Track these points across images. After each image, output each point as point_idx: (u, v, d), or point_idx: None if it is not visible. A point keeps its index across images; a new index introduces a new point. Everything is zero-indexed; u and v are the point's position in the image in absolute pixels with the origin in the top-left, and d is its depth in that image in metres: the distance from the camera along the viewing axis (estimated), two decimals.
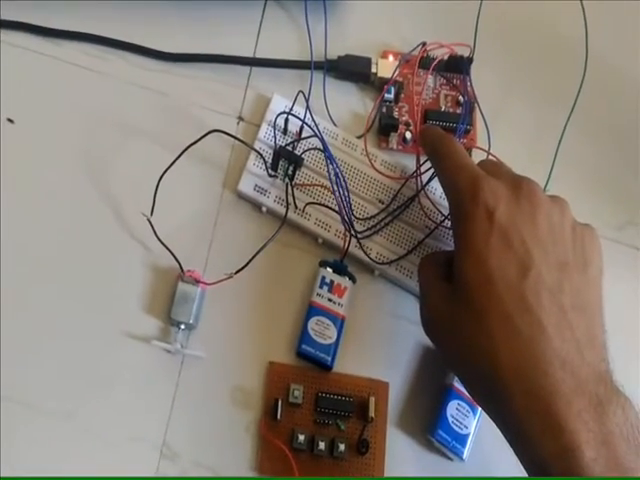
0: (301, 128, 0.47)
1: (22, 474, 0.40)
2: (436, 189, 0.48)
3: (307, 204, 0.46)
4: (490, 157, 0.48)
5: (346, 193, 0.45)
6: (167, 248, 0.43)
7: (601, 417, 0.32)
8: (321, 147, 0.46)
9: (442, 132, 0.44)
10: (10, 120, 0.46)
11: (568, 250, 0.37)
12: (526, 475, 0.35)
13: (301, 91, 0.47)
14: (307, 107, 0.47)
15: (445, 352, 0.39)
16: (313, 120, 0.47)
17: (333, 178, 0.45)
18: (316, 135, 0.46)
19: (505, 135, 0.49)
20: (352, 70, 0.51)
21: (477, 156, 0.49)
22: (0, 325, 0.42)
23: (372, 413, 0.42)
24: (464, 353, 0.36)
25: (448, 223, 0.47)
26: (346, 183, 0.46)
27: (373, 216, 0.47)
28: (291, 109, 0.47)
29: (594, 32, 0.50)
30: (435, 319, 0.39)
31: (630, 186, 0.52)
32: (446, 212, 0.47)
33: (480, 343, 0.35)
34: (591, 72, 0.50)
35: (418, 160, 0.47)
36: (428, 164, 0.46)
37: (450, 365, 0.41)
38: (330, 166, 0.45)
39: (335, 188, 0.45)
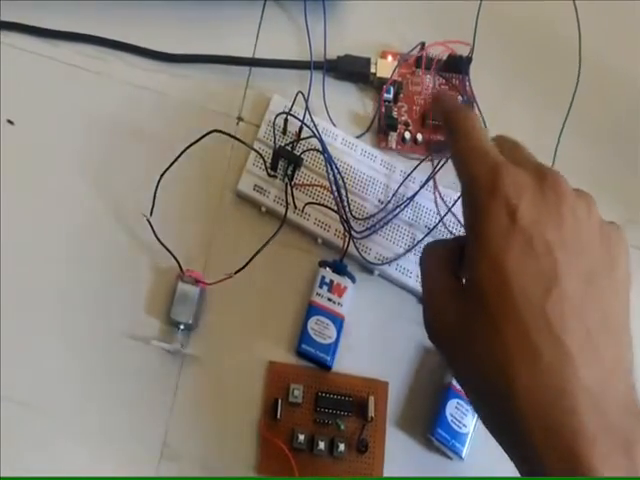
0: (300, 128, 0.47)
1: (22, 474, 0.40)
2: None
3: (306, 204, 0.46)
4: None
5: (345, 193, 0.46)
6: (166, 248, 0.43)
7: (630, 458, 0.28)
8: (320, 148, 0.46)
9: (458, 103, 0.39)
10: (10, 121, 0.46)
11: (596, 256, 0.31)
12: None
13: (300, 92, 0.47)
14: (306, 108, 0.47)
15: (453, 363, 0.34)
16: (312, 121, 0.47)
17: (332, 178, 0.45)
18: (315, 136, 0.46)
19: (504, 133, 0.48)
20: (351, 70, 0.51)
21: None
22: (0, 325, 0.42)
23: (372, 413, 0.42)
24: (476, 365, 0.31)
25: (448, 221, 0.47)
26: (345, 183, 0.46)
27: (372, 215, 0.47)
28: (290, 109, 0.47)
29: (588, 32, 0.50)
30: (442, 322, 0.34)
31: (629, 185, 0.52)
32: (443, 211, 0.47)
33: (495, 357, 0.30)
34: (587, 72, 0.50)
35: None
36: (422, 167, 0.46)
37: (458, 378, 0.35)
38: (329, 167, 0.45)
39: (334, 188, 0.45)
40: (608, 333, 0.30)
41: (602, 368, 0.29)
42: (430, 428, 0.43)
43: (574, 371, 0.29)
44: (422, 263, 0.36)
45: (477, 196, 0.32)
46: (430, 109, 0.50)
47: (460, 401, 0.43)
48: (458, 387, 0.43)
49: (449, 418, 0.43)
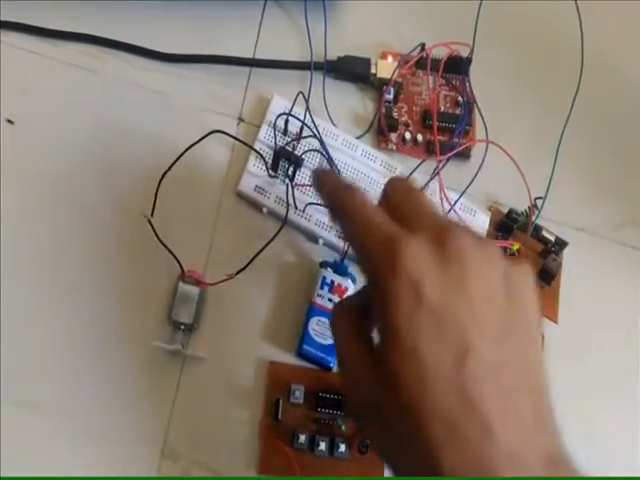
0: (301, 129, 0.47)
1: (23, 473, 0.40)
2: (436, 189, 0.48)
3: (307, 204, 0.46)
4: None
5: None
6: (168, 249, 0.43)
7: None
8: (320, 149, 0.46)
9: (339, 181, 0.37)
10: (10, 121, 0.46)
11: (506, 309, 0.31)
12: None
13: (301, 92, 0.47)
14: (307, 108, 0.47)
15: (375, 440, 0.33)
16: (313, 122, 0.47)
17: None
18: (315, 137, 0.46)
19: (504, 135, 0.48)
20: (351, 71, 0.51)
21: (479, 151, 0.49)
22: (1, 325, 0.42)
23: None
24: (399, 448, 0.30)
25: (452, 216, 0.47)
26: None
27: None
28: (291, 110, 0.47)
29: (590, 31, 0.51)
30: (361, 400, 0.32)
31: (629, 186, 0.53)
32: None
33: (419, 444, 0.29)
34: (589, 72, 0.50)
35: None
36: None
37: (380, 454, 0.33)
38: (330, 167, 0.45)
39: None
40: (525, 387, 0.30)
41: (523, 428, 0.29)
42: None
43: (496, 441, 0.28)
44: (333, 327, 0.35)
45: (379, 279, 0.30)
46: (429, 110, 0.51)
47: None
48: None
49: None
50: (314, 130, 0.46)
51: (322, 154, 0.46)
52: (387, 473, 0.43)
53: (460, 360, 0.29)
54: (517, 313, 0.31)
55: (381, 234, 0.31)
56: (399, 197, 0.34)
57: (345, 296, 0.40)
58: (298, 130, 0.47)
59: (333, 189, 0.36)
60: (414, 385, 0.29)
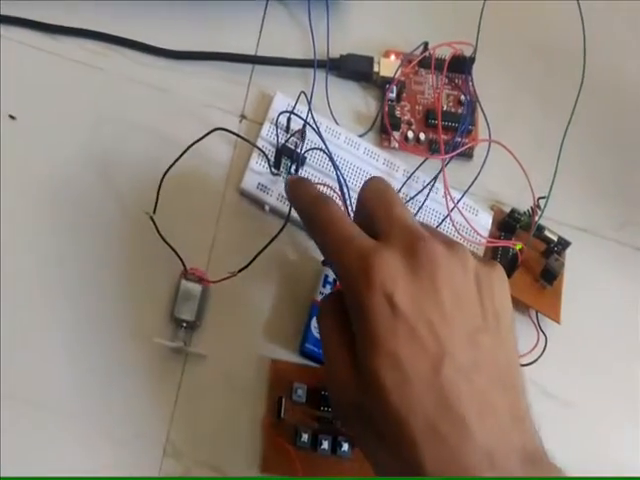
0: (303, 128, 0.47)
1: (23, 473, 0.40)
2: (438, 189, 0.48)
3: None
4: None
5: (347, 192, 0.45)
6: (170, 246, 0.43)
7: None
8: (322, 147, 0.46)
9: (315, 192, 0.38)
10: (12, 116, 0.46)
11: (477, 310, 0.32)
12: None
13: (303, 92, 0.46)
14: (309, 107, 0.47)
15: (359, 439, 0.34)
16: (314, 120, 0.47)
17: (336, 178, 0.45)
18: (317, 134, 0.46)
19: (507, 135, 0.48)
20: (354, 69, 0.51)
21: (481, 150, 0.49)
22: (1, 323, 0.42)
23: None
24: (382, 447, 0.32)
25: (454, 216, 0.47)
26: (346, 182, 0.46)
27: None
28: (294, 108, 0.47)
29: (592, 32, 0.51)
30: (345, 400, 0.33)
31: (631, 186, 0.53)
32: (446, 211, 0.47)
33: (401, 452, 0.30)
34: (591, 72, 0.50)
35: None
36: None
37: (364, 452, 0.34)
38: (332, 165, 0.45)
39: (338, 186, 0.45)
40: (501, 386, 0.31)
41: (499, 426, 0.30)
42: None
43: (474, 439, 0.30)
44: (319, 322, 0.36)
45: (355, 292, 0.32)
46: (431, 109, 0.51)
47: None
48: None
49: None
50: (315, 129, 0.46)
51: (324, 152, 0.46)
52: None
53: (437, 364, 0.30)
54: (489, 315, 0.33)
55: (355, 249, 0.32)
56: (373, 203, 0.35)
57: (332, 291, 0.39)
58: (301, 128, 0.47)
59: (307, 201, 0.37)
60: (394, 387, 0.30)
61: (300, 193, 0.38)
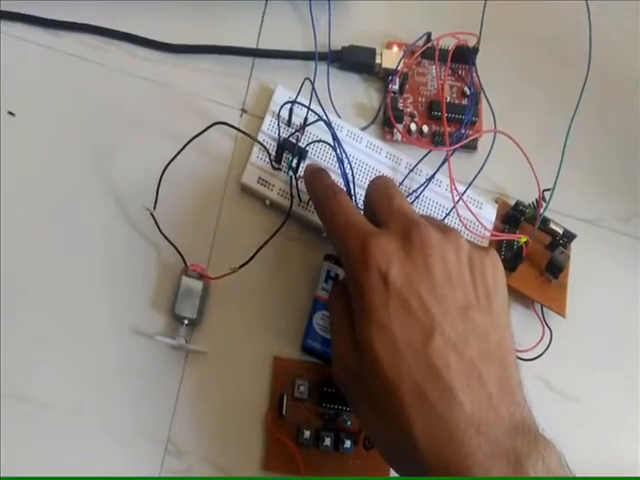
0: (305, 118, 0.46)
1: (24, 472, 0.40)
2: (441, 181, 0.48)
3: None
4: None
5: (351, 179, 0.45)
6: (170, 242, 0.42)
7: (523, 472, 0.31)
8: (326, 138, 0.45)
9: (327, 182, 0.41)
10: (11, 113, 0.46)
11: (469, 289, 0.35)
12: None
13: (307, 78, 0.46)
14: (312, 92, 0.46)
15: (356, 407, 0.36)
16: (320, 105, 0.46)
17: (338, 171, 0.44)
18: (321, 119, 0.45)
19: (512, 126, 0.48)
20: (356, 61, 0.50)
21: (486, 143, 0.48)
22: (1, 321, 0.42)
23: None
24: (377, 413, 0.34)
25: (454, 213, 0.46)
26: (353, 171, 0.46)
27: None
28: (296, 97, 0.46)
29: (598, 21, 0.50)
30: (347, 372, 0.36)
31: (637, 178, 0.52)
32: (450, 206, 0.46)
33: (393, 409, 0.33)
34: (597, 62, 0.50)
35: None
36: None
37: (360, 420, 0.38)
38: (336, 152, 0.44)
39: (341, 170, 0.44)
40: (490, 359, 0.33)
41: (488, 397, 0.32)
42: None
43: (462, 408, 0.32)
44: (330, 308, 0.40)
45: (353, 271, 0.35)
46: (435, 100, 0.50)
47: None
48: None
49: None
50: (319, 114, 0.45)
51: (327, 144, 0.45)
52: (393, 471, 0.42)
53: (427, 336, 0.33)
54: (481, 294, 0.35)
55: (356, 233, 0.36)
56: (376, 197, 0.39)
57: (340, 279, 0.42)
58: (302, 121, 0.47)
59: (321, 191, 0.40)
60: (388, 356, 0.33)
61: (315, 184, 0.41)
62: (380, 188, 0.39)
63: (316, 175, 0.42)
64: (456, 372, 0.32)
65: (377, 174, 0.47)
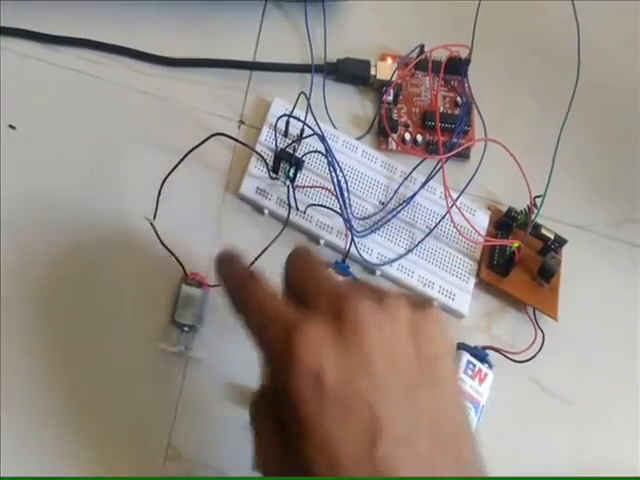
0: (302, 129, 0.47)
1: (24, 474, 0.40)
2: (435, 189, 0.49)
3: (308, 206, 0.46)
4: None
5: (347, 194, 0.46)
6: (170, 252, 0.43)
7: None
8: (321, 149, 0.46)
9: (237, 268, 0.35)
10: (12, 126, 0.47)
11: (412, 364, 0.30)
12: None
13: (303, 92, 0.47)
14: (308, 106, 0.47)
15: None
16: (315, 120, 0.47)
17: (335, 178, 0.45)
18: (317, 134, 0.46)
19: (503, 135, 0.49)
20: (351, 73, 0.51)
21: (478, 151, 0.49)
22: (1, 326, 0.42)
23: None
24: None
25: (448, 220, 0.47)
26: (347, 183, 0.47)
27: (373, 215, 0.47)
28: (292, 111, 0.47)
29: (587, 31, 0.51)
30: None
31: (627, 183, 0.53)
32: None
33: None
34: (586, 71, 0.51)
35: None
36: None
37: None
38: (331, 166, 0.45)
39: (337, 188, 0.45)
40: (443, 445, 0.29)
41: None
42: None
43: None
44: (253, 425, 0.33)
45: (280, 378, 0.29)
46: (428, 110, 0.51)
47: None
48: (461, 385, 0.44)
49: None
50: (315, 128, 0.46)
51: (323, 154, 0.46)
52: None
53: (371, 441, 0.28)
54: (425, 365, 0.30)
55: (277, 327, 0.30)
56: (297, 275, 0.33)
57: (258, 388, 0.34)
58: (299, 132, 0.48)
59: (232, 283, 0.34)
60: (328, 473, 0.28)
61: (226, 274, 0.35)
62: (299, 264, 0.34)
63: (224, 263, 0.36)
64: (406, 467, 0.28)
65: (373, 183, 0.48)
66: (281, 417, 0.30)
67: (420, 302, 0.32)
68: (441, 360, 0.31)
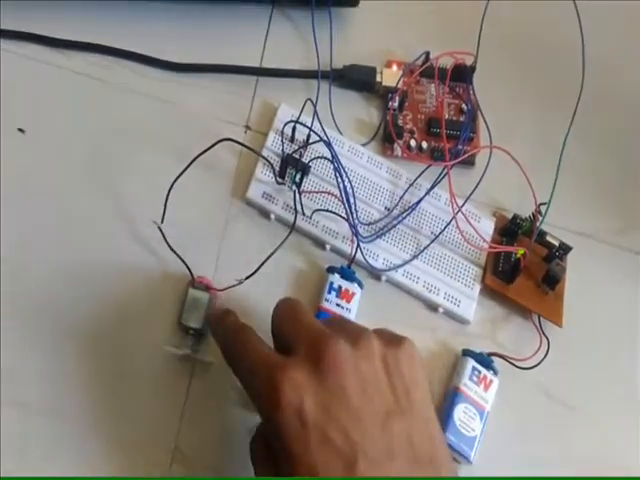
0: (308, 136, 0.48)
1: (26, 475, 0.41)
2: (440, 195, 0.49)
3: (314, 211, 0.46)
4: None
5: (353, 199, 0.46)
6: (178, 255, 0.43)
7: None
8: (327, 155, 0.46)
9: (229, 321, 0.40)
10: (21, 130, 0.47)
11: (386, 395, 0.34)
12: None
13: (309, 99, 0.47)
14: (315, 112, 0.47)
15: None
16: (321, 126, 0.48)
17: (341, 185, 0.45)
18: (323, 141, 0.46)
19: (508, 142, 0.49)
20: (357, 79, 0.52)
21: (483, 158, 0.50)
22: (1, 328, 0.43)
23: None
24: None
25: (453, 226, 0.48)
26: (353, 189, 0.47)
27: (379, 220, 0.48)
28: (298, 117, 0.47)
29: (591, 38, 0.51)
30: None
31: (632, 191, 0.53)
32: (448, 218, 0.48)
33: None
34: (591, 78, 0.51)
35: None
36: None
37: None
38: (337, 172, 0.46)
39: (343, 195, 0.45)
40: (419, 464, 0.33)
41: None
42: None
43: None
44: (252, 457, 0.37)
45: (267, 415, 0.34)
46: (434, 117, 0.51)
47: (468, 405, 0.44)
48: (466, 391, 0.44)
49: (457, 422, 0.43)
50: (321, 135, 0.47)
51: (329, 160, 0.46)
52: None
53: (350, 465, 0.32)
54: (400, 394, 0.35)
55: (263, 371, 0.34)
56: (281, 322, 0.38)
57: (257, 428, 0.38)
58: (305, 138, 0.48)
59: (223, 336, 0.39)
60: None
61: (220, 330, 0.40)
62: (283, 313, 0.38)
63: (218, 320, 0.41)
64: None
65: (378, 189, 0.48)
66: (273, 447, 0.34)
67: (394, 338, 0.36)
68: (414, 389, 0.35)
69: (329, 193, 0.47)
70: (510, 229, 0.49)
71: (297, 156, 0.47)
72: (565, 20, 0.52)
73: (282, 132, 0.47)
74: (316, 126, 0.47)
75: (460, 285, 0.47)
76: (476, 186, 0.48)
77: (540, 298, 0.48)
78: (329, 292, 0.45)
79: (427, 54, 0.52)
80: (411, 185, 0.49)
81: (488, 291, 0.48)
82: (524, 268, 0.47)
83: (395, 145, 0.50)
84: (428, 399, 0.36)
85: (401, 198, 0.48)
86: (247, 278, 0.43)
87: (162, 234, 0.43)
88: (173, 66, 0.50)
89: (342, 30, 0.53)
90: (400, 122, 0.51)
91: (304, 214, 0.46)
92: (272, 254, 0.43)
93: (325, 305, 0.45)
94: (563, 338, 0.47)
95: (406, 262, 0.47)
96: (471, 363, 0.45)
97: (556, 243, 0.49)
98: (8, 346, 0.42)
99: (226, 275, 0.44)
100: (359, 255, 0.46)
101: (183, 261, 0.43)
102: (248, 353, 0.36)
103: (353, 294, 0.45)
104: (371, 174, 0.49)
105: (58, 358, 0.43)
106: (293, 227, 0.45)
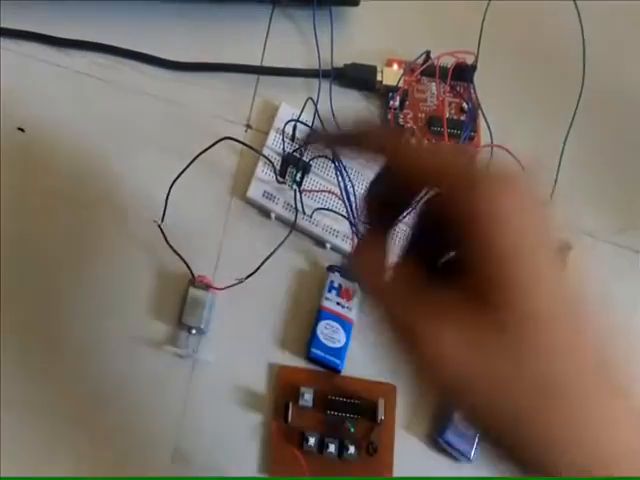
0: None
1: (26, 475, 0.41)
2: None
3: (315, 210, 0.46)
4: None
5: (353, 197, 0.46)
6: (178, 254, 0.43)
7: None
8: (328, 153, 0.46)
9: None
10: (21, 129, 0.47)
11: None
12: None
13: (310, 98, 0.47)
14: (316, 111, 0.47)
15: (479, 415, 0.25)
16: (321, 122, 0.47)
17: (340, 181, 0.45)
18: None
19: (509, 141, 0.49)
20: (358, 78, 0.52)
21: (485, 155, 0.50)
22: (1, 327, 0.43)
23: (381, 415, 0.43)
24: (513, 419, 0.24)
25: None
26: (354, 188, 0.47)
27: None
28: (299, 116, 0.47)
29: (591, 39, 0.51)
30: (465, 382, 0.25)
31: (631, 190, 0.53)
32: None
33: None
34: (591, 78, 0.51)
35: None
36: None
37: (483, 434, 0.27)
38: (338, 171, 0.46)
39: (344, 193, 0.45)
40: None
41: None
42: (438, 431, 0.44)
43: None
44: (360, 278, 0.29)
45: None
46: (434, 116, 0.51)
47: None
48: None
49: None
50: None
51: (330, 159, 0.46)
52: (396, 474, 0.43)
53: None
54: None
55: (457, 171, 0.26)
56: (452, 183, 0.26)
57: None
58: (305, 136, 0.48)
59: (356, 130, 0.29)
60: (563, 319, 0.25)
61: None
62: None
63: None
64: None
65: None
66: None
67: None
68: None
69: (330, 192, 0.47)
70: None
71: (298, 155, 0.47)
72: (566, 20, 0.52)
73: (283, 131, 0.47)
74: (317, 124, 0.47)
75: None
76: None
77: None
78: (329, 291, 0.45)
79: (428, 53, 0.52)
80: None
81: None
82: None
83: None
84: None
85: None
86: (248, 277, 0.43)
87: (162, 233, 0.43)
88: (174, 65, 0.50)
89: (343, 29, 0.53)
90: (401, 121, 0.51)
91: (305, 213, 0.46)
92: (273, 253, 0.44)
93: (325, 304, 0.45)
94: None
95: None
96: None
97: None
98: (8, 346, 0.42)
99: (226, 274, 0.44)
100: None
101: (183, 260, 0.43)
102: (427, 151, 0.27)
103: (353, 292, 0.45)
104: (372, 172, 0.48)
105: (56, 358, 0.43)
106: (294, 226, 0.45)
